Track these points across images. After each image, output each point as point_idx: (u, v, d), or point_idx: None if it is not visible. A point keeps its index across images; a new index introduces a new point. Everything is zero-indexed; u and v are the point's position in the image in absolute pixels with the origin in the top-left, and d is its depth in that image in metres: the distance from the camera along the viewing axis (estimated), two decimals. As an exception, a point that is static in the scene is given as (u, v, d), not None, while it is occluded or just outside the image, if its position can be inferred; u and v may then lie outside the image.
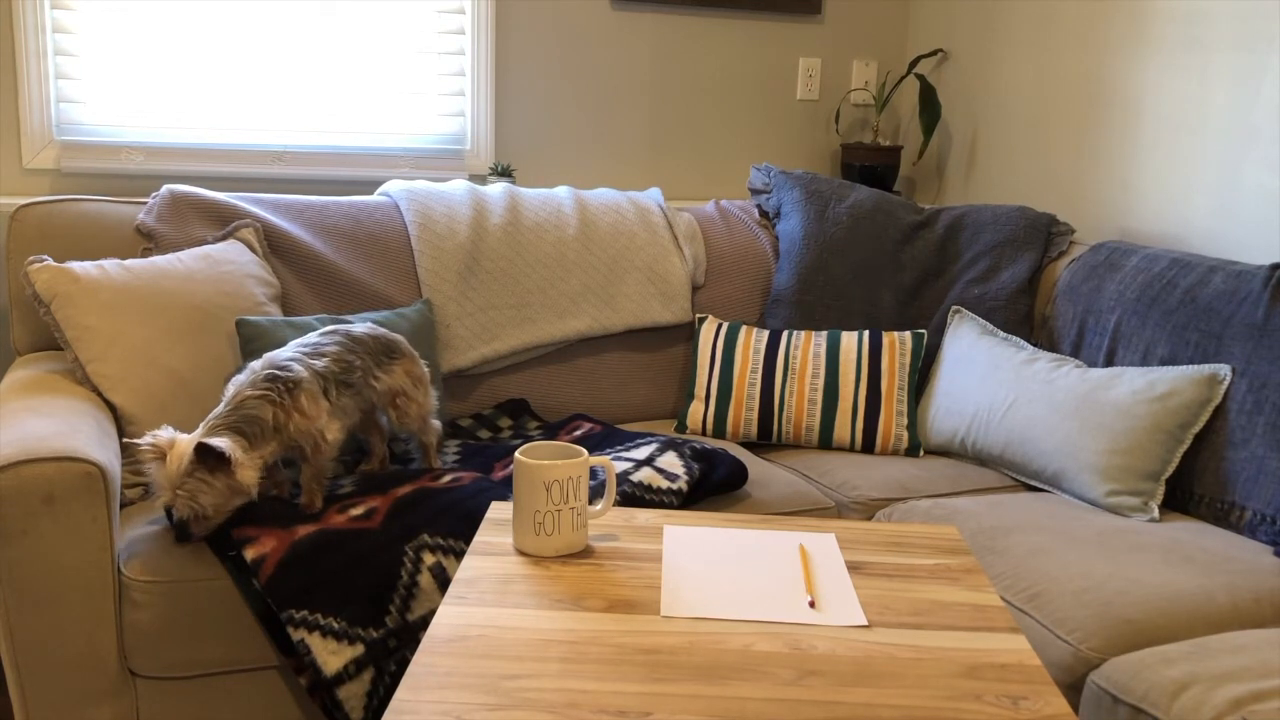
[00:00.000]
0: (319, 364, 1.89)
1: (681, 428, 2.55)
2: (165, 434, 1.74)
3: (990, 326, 2.54)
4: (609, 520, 1.63)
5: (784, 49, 3.26)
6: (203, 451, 1.70)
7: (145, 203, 2.33)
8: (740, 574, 1.47)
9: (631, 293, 2.62)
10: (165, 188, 2.35)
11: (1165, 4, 2.59)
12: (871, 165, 3.18)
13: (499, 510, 1.65)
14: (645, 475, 2.03)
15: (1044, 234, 2.68)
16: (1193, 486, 2.16)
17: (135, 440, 1.73)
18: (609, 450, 2.21)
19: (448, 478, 1.98)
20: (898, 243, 2.74)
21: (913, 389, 2.49)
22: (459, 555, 1.80)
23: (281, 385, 1.81)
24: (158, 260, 2.14)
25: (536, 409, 2.55)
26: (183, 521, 1.74)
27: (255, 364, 1.85)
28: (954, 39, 3.23)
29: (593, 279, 2.59)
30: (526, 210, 2.59)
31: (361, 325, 2.05)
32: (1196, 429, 2.14)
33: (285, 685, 1.83)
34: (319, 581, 1.72)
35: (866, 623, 1.35)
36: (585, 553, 1.51)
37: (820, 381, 2.47)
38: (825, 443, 2.47)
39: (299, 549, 1.74)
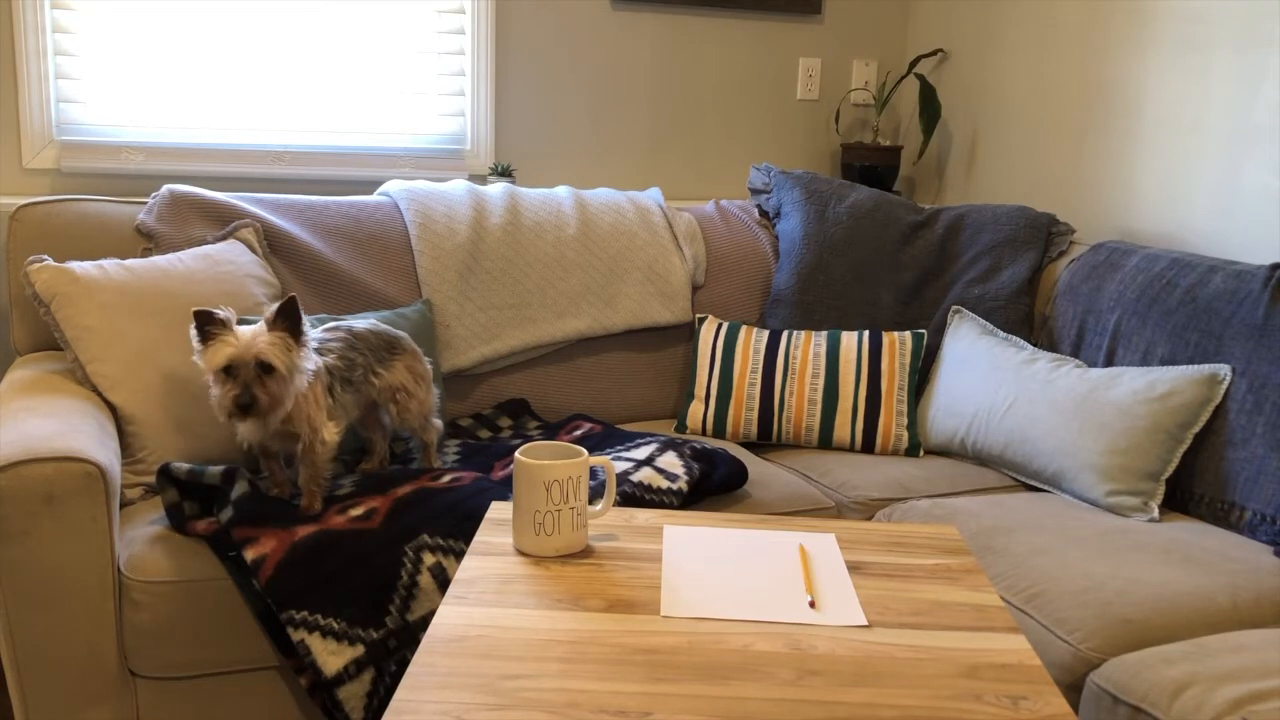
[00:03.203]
0: (325, 359, 1.90)
1: (681, 428, 2.55)
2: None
3: (990, 326, 2.54)
4: (609, 520, 1.63)
5: (784, 49, 3.26)
6: (288, 308, 1.75)
7: (145, 203, 2.33)
8: (740, 574, 1.47)
9: (631, 293, 2.62)
10: (165, 188, 2.35)
11: (1165, 4, 2.59)
12: (871, 165, 3.18)
13: (499, 510, 1.65)
14: (645, 475, 2.03)
15: (1044, 234, 2.68)
16: (1193, 486, 2.16)
17: (213, 309, 1.74)
18: (609, 450, 2.21)
19: (448, 478, 1.98)
20: (898, 243, 2.74)
21: (913, 389, 2.49)
22: (459, 555, 1.80)
23: None
24: (158, 260, 2.14)
25: (536, 409, 2.55)
26: (249, 382, 1.73)
27: None
28: (954, 39, 3.23)
29: (592, 279, 2.59)
30: (526, 210, 2.59)
31: (364, 321, 2.06)
32: (1196, 429, 2.14)
33: (285, 685, 1.83)
34: (319, 582, 1.72)
35: (866, 623, 1.35)
36: (585, 553, 1.51)
37: (820, 381, 2.47)
38: (825, 443, 2.47)
39: (299, 550, 1.74)
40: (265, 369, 1.75)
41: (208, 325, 1.75)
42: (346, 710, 1.69)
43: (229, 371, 1.74)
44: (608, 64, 3.08)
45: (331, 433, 1.88)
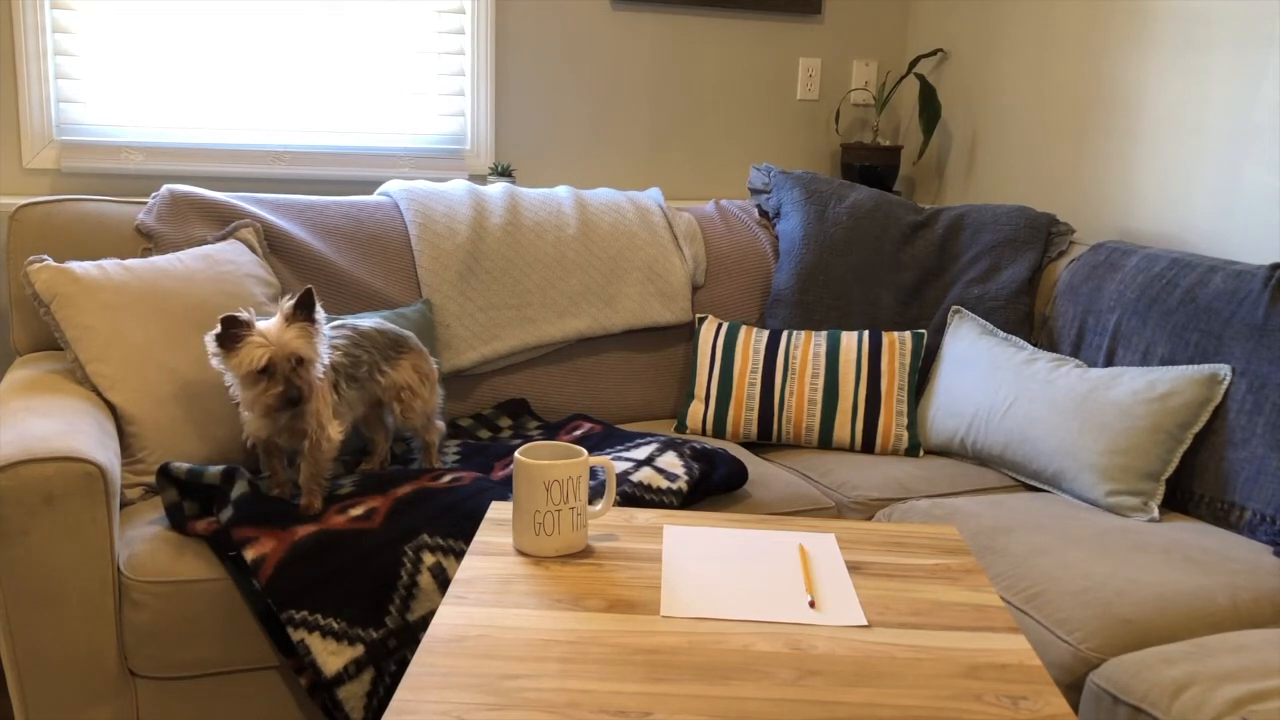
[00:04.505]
0: (330, 356, 1.90)
1: (681, 428, 2.55)
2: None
3: (990, 326, 2.54)
4: (609, 520, 1.63)
5: (784, 49, 3.26)
6: (305, 300, 1.79)
7: (145, 203, 2.33)
8: (740, 574, 1.47)
9: (631, 293, 2.62)
10: (165, 188, 2.35)
11: (1165, 4, 2.59)
12: (871, 165, 3.18)
13: (499, 510, 1.65)
14: (645, 475, 2.03)
15: (1044, 234, 2.68)
16: (1193, 486, 2.16)
17: (236, 313, 1.76)
18: (609, 450, 2.21)
19: (448, 478, 1.98)
20: (898, 243, 2.74)
21: (913, 389, 2.49)
22: (459, 555, 1.80)
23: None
24: (158, 260, 2.14)
25: (536, 409, 2.55)
26: (289, 377, 1.76)
27: None
28: (954, 39, 3.23)
29: (593, 279, 2.59)
30: (526, 210, 2.59)
31: (370, 319, 2.07)
32: (1196, 429, 2.14)
33: (285, 685, 1.83)
34: (319, 582, 1.72)
35: (866, 623, 1.35)
36: (585, 553, 1.51)
37: (820, 381, 2.47)
38: (825, 443, 2.47)
39: (299, 549, 1.74)
40: (298, 361, 1.78)
41: (232, 328, 1.76)
42: (346, 710, 1.69)
43: (265, 370, 1.75)
44: (608, 64, 3.08)
45: (336, 430, 1.89)
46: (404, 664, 1.73)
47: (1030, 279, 2.64)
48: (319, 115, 2.82)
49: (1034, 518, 2.05)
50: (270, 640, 1.79)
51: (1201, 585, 1.78)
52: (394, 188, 2.60)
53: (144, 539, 1.78)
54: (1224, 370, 2.14)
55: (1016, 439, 2.29)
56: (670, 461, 2.09)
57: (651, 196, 2.77)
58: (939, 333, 2.64)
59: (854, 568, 1.51)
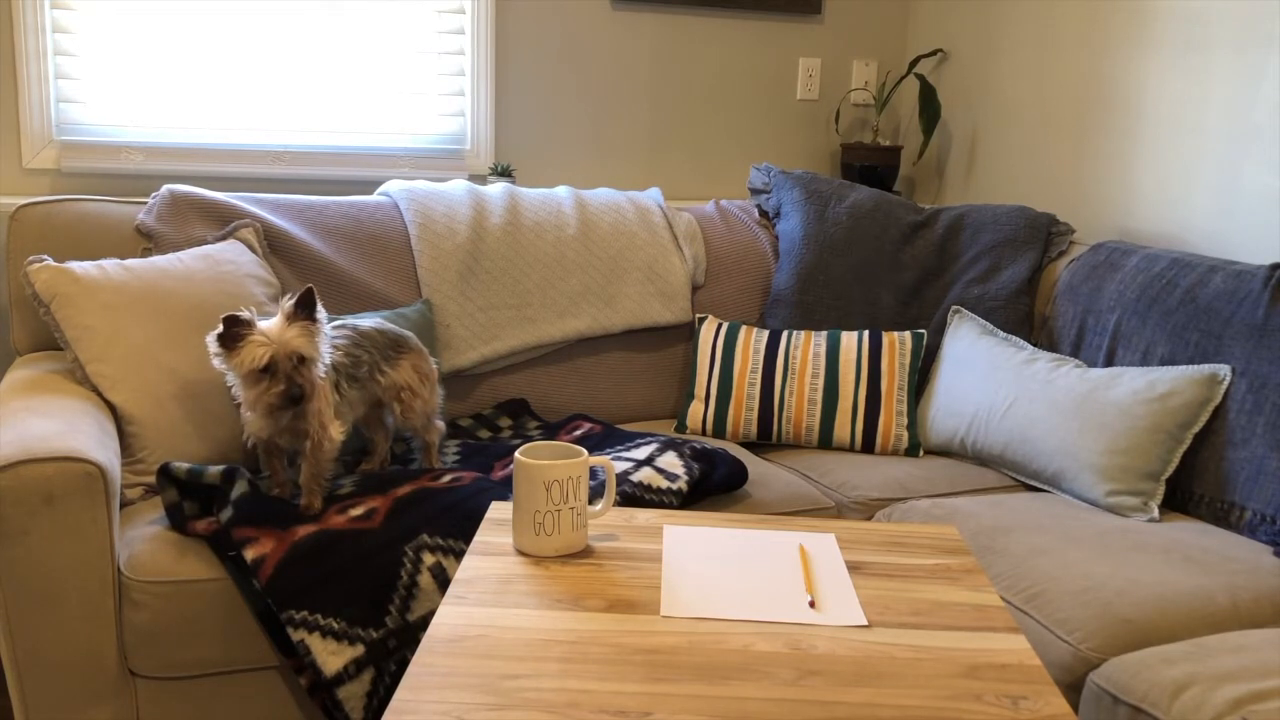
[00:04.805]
0: (331, 356, 1.91)
1: (681, 428, 2.55)
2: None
3: (990, 326, 2.54)
4: (609, 520, 1.63)
5: (784, 49, 3.26)
6: (306, 299, 1.79)
7: (145, 203, 2.33)
8: (740, 574, 1.47)
9: (631, 293, 2.62)
10: (165, 188, 2.35)
11: (1165, 4, 2.59)
12: (871, 165, 3.18)
13: (499, 510, 1.65)
14: (645, 475, 2.03)
15: (1044, 234, 2.68)
16: (1193, 486, 2.16)
17: (238, 312, 1.76)
18: (609, 450, 2.21)
19: (448, 478, 1.98)
20: (898, 243, 2.74)
21: (912, 389, 2.49)
22: (459, 555, 1.80)
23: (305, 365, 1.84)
24: (158, 260, 2.14)
25: (536, 409, 2.55)
26: (291, 375, 1.76)
27: None
28: (954, 39, 3.23)
29: (592, 279, 2.59)
30: (526, 210, 2.59)
31: (370, 319, 2.07)
32: (1196, 429, 2.14)
33: (285, 685, 1.83)
34: (319, 582, 1.72)
35: (866, 623, 1.35)
36: (585, 553, 1.51)
37: (820, 381, 2.47)
38: (825, 443, 2.47)
39: (299, 549, 1.74)
40: (299, 359, 1.78)
41: (234, 327, 1.76)
42: (346, 710, 1.69)
43: (267, 369, 1.76)
44: (608, 64, 3.08)
45: (337, 430, 1.89)
46: (404, 664, 1.73)
47: (1030, 279, 2.64)
48: (319, 115, 2.82)
49: (1034, 518, 2.05)
50: (270, 640, 1.79)
51: (1201, 585, 1.78)
52: (394, 188, 2.60)
53: (144, 539, 1.78)
54: (1224, 370, 2.14)
55: (1016, 439, 2.29)
56: (670, 461, 2.09)
57: (651, 196, 2.77)
58: (939, 333, 2.64)
59: (854, 568, 1.51)
